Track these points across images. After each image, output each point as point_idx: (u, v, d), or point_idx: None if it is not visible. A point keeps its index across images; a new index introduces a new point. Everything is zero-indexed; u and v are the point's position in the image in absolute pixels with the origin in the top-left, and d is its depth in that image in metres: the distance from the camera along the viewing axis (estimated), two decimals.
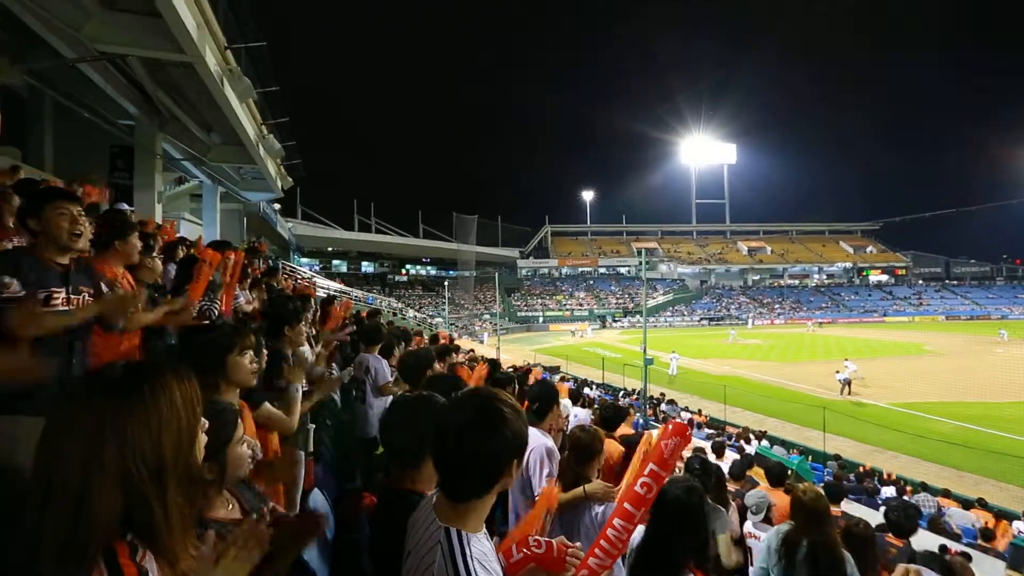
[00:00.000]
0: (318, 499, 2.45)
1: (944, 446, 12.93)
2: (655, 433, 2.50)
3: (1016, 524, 7.64)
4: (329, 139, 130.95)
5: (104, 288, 2.27)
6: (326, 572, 2.17)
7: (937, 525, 6.64)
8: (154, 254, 3.19)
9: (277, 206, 31.48)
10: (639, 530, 2.18)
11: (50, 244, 2.03)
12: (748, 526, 3.77)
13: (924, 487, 9.71)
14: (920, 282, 67.95)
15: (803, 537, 2.60)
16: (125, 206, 6.00)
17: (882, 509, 6.76)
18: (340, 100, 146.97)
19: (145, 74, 9.80)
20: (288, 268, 21.00)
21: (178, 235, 6.91)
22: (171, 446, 0.87)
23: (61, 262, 2.05)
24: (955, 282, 67.70)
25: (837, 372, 20.18)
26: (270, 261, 14.84)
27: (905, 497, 8.50)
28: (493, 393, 1.16)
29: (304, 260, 48.67)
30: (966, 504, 9.07)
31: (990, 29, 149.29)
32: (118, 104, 10.74)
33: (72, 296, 2.05)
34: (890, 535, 3.82)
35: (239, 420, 1.42)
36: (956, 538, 6.29)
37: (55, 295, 1.98)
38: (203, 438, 0.98)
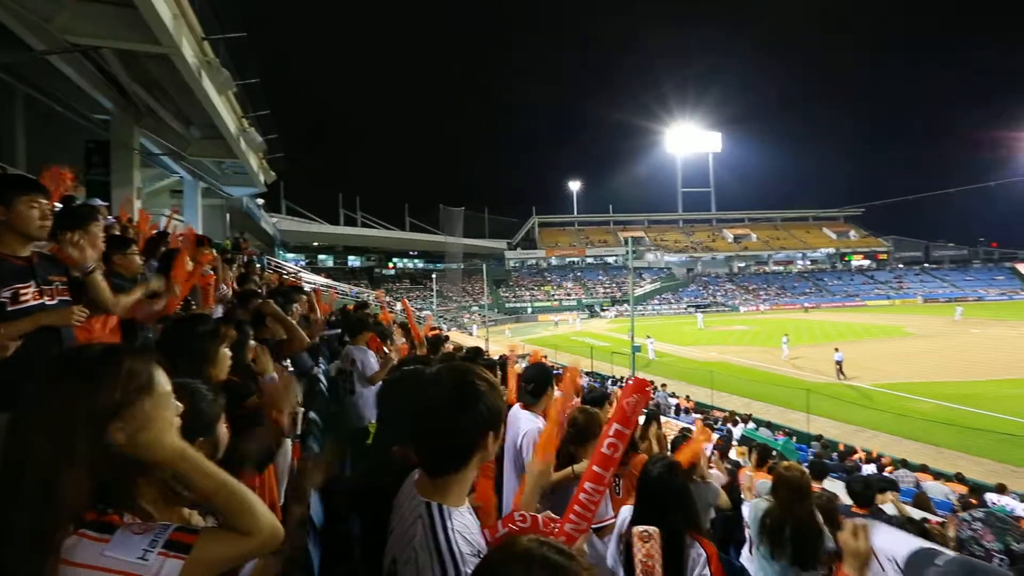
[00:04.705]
0: None
1: (924, 424, 13.28)
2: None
3: (989, 496, 7.92)
4: (312, 133, 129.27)
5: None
6: (317, 561, 2.19)
7: (922, 500, 6.88)
8: (130, 249, 3.13)
9: (261, 201, 31.01)
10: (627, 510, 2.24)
11: (11, 236, 1.92)
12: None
13: (904, 463, 9.99)
14: (900, 266, 69.13)
15: (786, 514, 2.65)
16: (99, 201, 5.85)
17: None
18: (321, 93, 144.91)
19: (120, 67, 9.58)
20: (273, 263, 20.78)
21: (158, 230, 6.78)
22: (140, 431, 0.86)
23: (22, 255, 1.95)
24: (934, 265, 68.96)
25: (836, 351, 20.30)
26: (254, 257, 14.67)
27: (885, 472, 8.74)
28: (469, 368, 1.17)
29: (290, 255, 48.12)
30: (945, 479, 9.38)
31: (960, 25, 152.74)
32: (92, 98, 10.50)
33: (44, 287, 1.98)
34: (855, 506, 4.04)
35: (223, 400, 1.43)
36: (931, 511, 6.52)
37: (23, 291, 1.89)
38: (177, 421, 0.96)
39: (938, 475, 9.63)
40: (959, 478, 9.30)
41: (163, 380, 0.95)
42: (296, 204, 52.21)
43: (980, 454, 11.62)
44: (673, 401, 15.33)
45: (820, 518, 2.74)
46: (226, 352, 1.96)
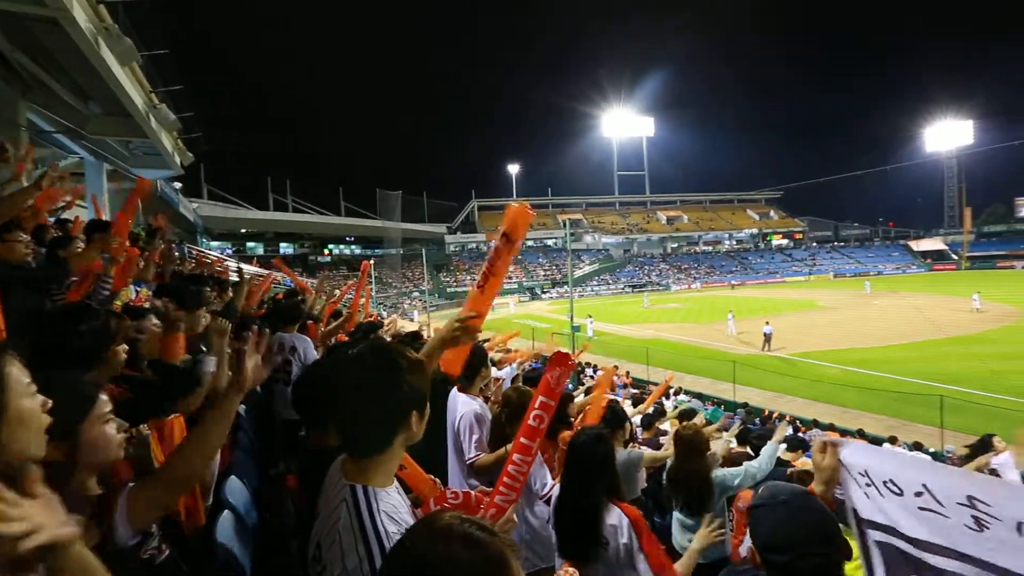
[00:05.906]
0: (234, 486, 2.33)
1: (833, 388, 14.66)
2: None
3: (884, 446, 8.89)
4: (235, 111, 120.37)
5: None
6: (248, 559, 2.10)
7: None
8: (11, 234, 2.81)
9: (178, 185, 28.69)
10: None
11: None
12: None
13: (815, 424, 10.98)
14: (815, 244, 75.05)
15: (682, 470, 2.89)
16: None
17: (782, 446, 7.62)
18: (246, 70, 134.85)
19: None
20: (195, 251, 19.40)
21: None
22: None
23: None
24: (842, 243, 75.44)
25: (767, 324, 21.60)
26: (173, 244, 13.61)
27: (800, 433, 9.56)
28: (391, 347, 1.15)
29: (214, 243, 45.13)
30: (849, 435, 10.41)
31: (869, 30, 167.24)
32: None
33: None
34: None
35: (98, 396, 1.27)
36: None
37: None
38: (43, 419, 0.91)
39: (844, 432, 10.66)
40: (860, 433, 10.35)
41: (17, 372, 0.89)
42: (219, 188, 48.88)
43: (879, 411, 12.99)
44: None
45: (710, 475, 3.00)
46: (119, 349, 1.72)
